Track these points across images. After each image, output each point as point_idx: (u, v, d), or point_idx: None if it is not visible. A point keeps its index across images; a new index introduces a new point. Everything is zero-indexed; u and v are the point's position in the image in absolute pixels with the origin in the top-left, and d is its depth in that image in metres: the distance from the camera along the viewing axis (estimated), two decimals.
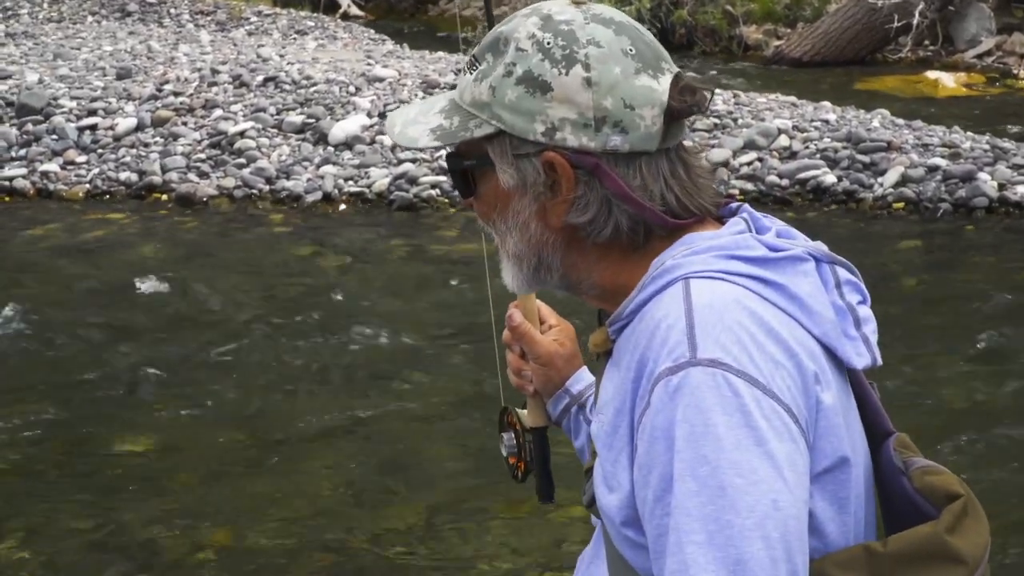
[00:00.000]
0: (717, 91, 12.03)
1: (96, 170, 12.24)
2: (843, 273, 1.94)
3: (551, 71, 1.89)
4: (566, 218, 1.94)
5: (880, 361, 1.90)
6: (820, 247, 1.95)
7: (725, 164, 11.79)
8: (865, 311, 1.93)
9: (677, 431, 1.72)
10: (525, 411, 2.53)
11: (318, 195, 11.65)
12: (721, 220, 2.00)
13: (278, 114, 13.08)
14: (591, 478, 1.98)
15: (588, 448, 2.46)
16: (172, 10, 21.47)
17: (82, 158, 12.47)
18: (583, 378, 2.47)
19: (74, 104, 13.33)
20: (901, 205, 11.35)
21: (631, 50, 1.90)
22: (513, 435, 2.52)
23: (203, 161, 12.29)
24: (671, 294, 1.83)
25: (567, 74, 1.89)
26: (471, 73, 1.94)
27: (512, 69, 1.91)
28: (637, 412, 1.80)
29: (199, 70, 14.58)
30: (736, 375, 1.73)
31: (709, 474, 1.69)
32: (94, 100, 13.46)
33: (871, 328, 1.92)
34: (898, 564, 1.83)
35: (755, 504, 1.68)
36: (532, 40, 1.91)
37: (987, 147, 12.13)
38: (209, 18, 21.06)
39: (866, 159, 11.87)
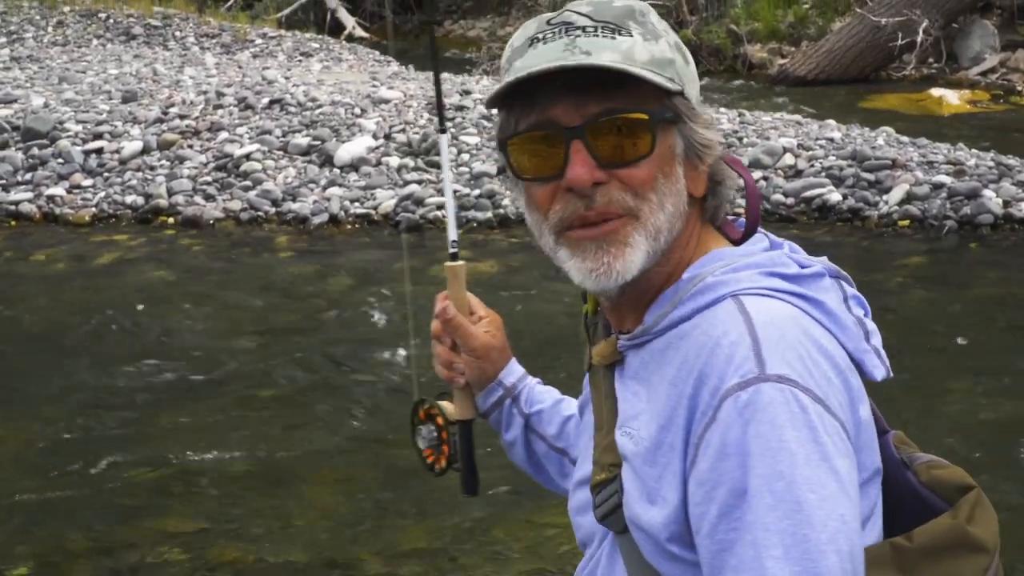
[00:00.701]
0: (722, 110, 12.11)
1: (102, 194, 12.26)
2: (847, 287, 1.98)
3: (684, 47, 1.98)
4: (706, 187, 1.99)
5: (891, 373, 1.95)
6: (827, 262, 2.00)
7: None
8: (871, 324, 1.98)
9: (751, 446, 1.74)
10: (446, 403, 2.51)
11: (324, 217, 11.68)
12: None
13: (284, 136, 13.10)
14: (602, 492, 1.99)
15: (520, 443, 2.51)
16: (177, 33, 21.51)
17: (88, 182, 12.49)
18: (514, 370, 2.50)
19: (80, 128, 13.37)
20: (906, 223, 11.35)
21: None
22: (434, 428, 2.50)
23: (209, 184, 12.32)
24: (726, 310, 1.85)
25: (690, 54, 2.00)
26: (615, 36, 1.90)
27: (669, 37, 1.96)
28: (696, 428, 1.81)
29: (204, 93, 14.62)
30: (802, 391, 1.76)
31: (785, 489, 1.71)
32: (100, 124, 13.50)
33: (878, 340, 1.96)
34: (924, 557, 1.87)
35: (827, 519, 1.71)
36: (657, 17, 1.97)
37: (992, 164, 12.13)
38: (214, 41, 21.10)
39: (871, 177, 11.88)
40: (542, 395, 2.53)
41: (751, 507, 1.72)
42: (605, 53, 1.86)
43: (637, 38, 1.89)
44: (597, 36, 1.88)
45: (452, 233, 2.53)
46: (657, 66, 1.89)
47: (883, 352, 1.95)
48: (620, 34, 1.89)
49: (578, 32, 1.89)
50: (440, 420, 2.50)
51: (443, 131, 2.61)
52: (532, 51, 1.91)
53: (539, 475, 2.57)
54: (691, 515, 1.81)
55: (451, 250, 2.51)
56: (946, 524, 1.91)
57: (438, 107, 2.64)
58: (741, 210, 2.07)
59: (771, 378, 1.76)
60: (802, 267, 1.94)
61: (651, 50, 1.90)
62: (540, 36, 1.91)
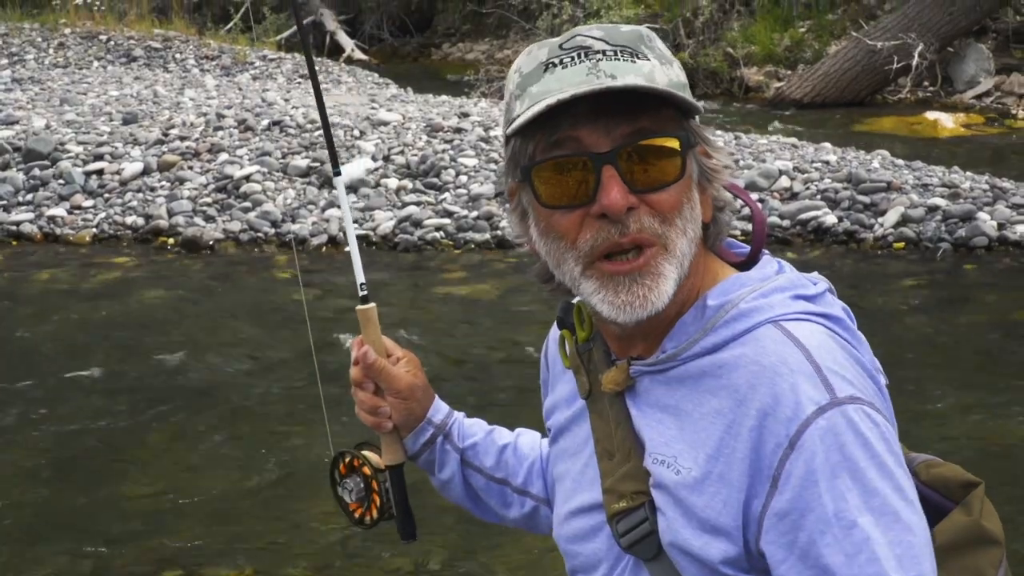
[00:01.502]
0: (718, 132, 12.10)
1: (103, 214, 12.29)
2: (836, 299, 2.00)
3: None
4: (711, 213, 1.99)
5: (887, 379, 1.98)
6: (820, 276, 2.02)
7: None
8: (861, 335, 2.00)
9: (840, 469, 1.76)
10: (368, 452, 2.45)
11: (323, 238, 11.69)
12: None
13: (283, 158, 13.12)
14: (624, 520, 1.97)
15: (457, 479, 2.47)
16: (177, 55, 21.53)
17: (89, 203, 12.52)
18: (441, 407, 2.46)
19: (81, 149, 13.39)
20: (901, 245, 11.37)
21: None
22: (361, 479, 2.43)
23: (209, 205, 12.33)
24: (771, 338, 1.86)
25: None
26: (634, 60, 1.87)
27: (675, 61, 1.95)
28: (770, 458, 1.81)
29: (205, 115, 14.63)
30: (869, 407, 1.81)
31: (882, 503, 1.76)
32: (100, 145, 13.51)
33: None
34: (947, 554, 1.91)
35: (917, 522, 1.78)
36: (661, 42, 1.96)
37: (986, 187, 12.16)
38: (214, 63, 21.12)
39: (866, 199, 11.90)
40: (472, 428, 2.51)
41: (856, 525, 1.75)
42: (629, 76, 1.83)
43: (654, 62, 1.88)
44: (618, 60, 1.85)
45: (359, 276, 2.46)
46: (676, 89, 1.88)
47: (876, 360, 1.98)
48: (638, 58, 1.87)
49: (598, 56, 1.86)
50: (367, 470, 2.43)
51: (337, 174, 2.54)
52: (550, 76, 1.87)
53: (478, 509, 2.54)
54: (768, 544, 1.81)
55: (361, 293, 2.43)
56: (964, 521, 1.96)
57: (329, 148, 2.58)
58: (737, 231, 2.08)
59: (844, 401, 1.79)
60: (813, 284, 1.97)
61: (668, 74, 1.89)
62: (556, 61, 1.88)
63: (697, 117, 1.94)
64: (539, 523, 2.45)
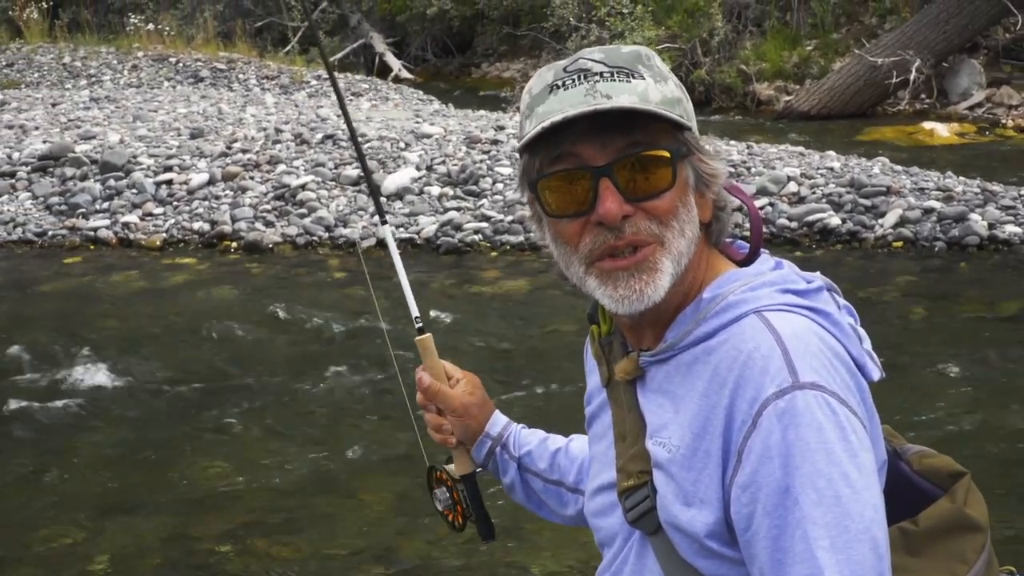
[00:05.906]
0: (732, 142, 12.03)
1: (172, 221, 12.34)
2: (838, 298, 1.99)
3: (683, 86, 1.99)
4: (711, 213, 1.99)
5: (884, 374, 1.96)
6: (821, 276, 2.00)
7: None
8: (861, 330, 1.98)
9: (793, 448, 1.75)
10: (451, 465, 2.51)
11: (372, 241, 11.70)
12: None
13: (336, 168, 13.14)
14: (631, 497, 1.98)
15: (518, 484, 2.51)
16: (240, 76, 21.60)
17: (159, 210, 12.58)
18: (498, 420, 2.51)
19: (152, 161, 13.45)
20: (900, 244, 11.31)
21: None
22: (446, 490, 2.50)
23: (268, 211, 12.37)
24: (752, 326, 1.86)
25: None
26: (629, 79, 1.89)
27: (673, 78, 1.96)
28: (737, 435, 1.81)
29: (264, 129, 14.67)
30: (830, 395, 1.78)
31: (826, 486, 1.74)
32: (170, 157, 13.57)
33: (868, 345, 1.97)
34: (930, 539, 1.90)
35: (863, 510, 1.74)
36: (660, 60, 1.97)
37: (978, 190, 12.08)
38: (273, 82, 21.19)
39: (867, 202, 11.84)
40: (528, 437, 2.54)
41: (798, 503, 1.74)
42: (623, 96, 1.86)
43: (649, 80, 1.89)
44: (614, 80, 1.88)
45: (414, 310, 2.53)
46: (668, 105, 1.90)
47: (875, 355, 1.95)
48: (634, 77, 1.89)
49: (596, 78, 1.88)
50: (449, 481, 2.50)
51: (384, 223, 2.65)
52: (553, 97, 1.90)
53: (542, 511, 2.57)
54: (735, 515, 1.82)
55: (417, 325, 2.49)
56: (947, 508, 1.94)
57: (375, 204, 2.70)
58: (740, 232, 2.07)
59: (805, 385, 1.77)
60: (808, 282, 1.95)
61: (662, 91, 1.90)
62: (559, 83, 1.90)
63: (693, 127, 1.95)
64: None
